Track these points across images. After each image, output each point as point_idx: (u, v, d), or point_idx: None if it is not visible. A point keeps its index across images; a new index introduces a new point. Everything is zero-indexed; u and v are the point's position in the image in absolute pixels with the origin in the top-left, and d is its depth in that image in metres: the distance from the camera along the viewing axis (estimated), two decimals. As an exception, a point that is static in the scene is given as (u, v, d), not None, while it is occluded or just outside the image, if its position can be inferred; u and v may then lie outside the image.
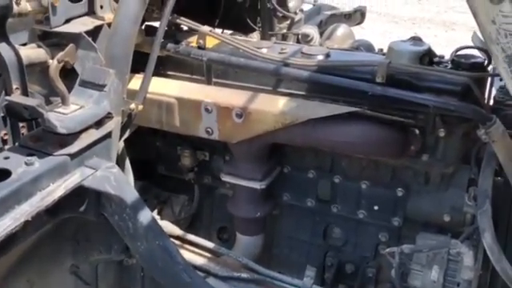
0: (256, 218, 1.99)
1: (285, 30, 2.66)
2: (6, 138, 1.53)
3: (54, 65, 1.41)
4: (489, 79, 1.74)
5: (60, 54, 1.43)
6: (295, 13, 2.71)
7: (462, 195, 1.71)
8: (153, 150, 2.16)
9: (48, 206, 1.29)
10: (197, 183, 2.18)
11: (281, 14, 2.54)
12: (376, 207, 1.90)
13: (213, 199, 2.21)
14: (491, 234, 1.50)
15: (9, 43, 1.49)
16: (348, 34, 2.42)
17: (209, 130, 1.83)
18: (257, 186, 1.90)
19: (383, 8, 8.04)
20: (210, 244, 1.79)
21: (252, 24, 2.50)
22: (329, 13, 3.08)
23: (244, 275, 1.66)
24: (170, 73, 1.97)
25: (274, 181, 1.97)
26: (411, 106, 1.67)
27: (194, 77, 1.94)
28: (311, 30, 2.46)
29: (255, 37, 2.51)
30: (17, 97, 1.44)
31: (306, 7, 3.01)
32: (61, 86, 1.42)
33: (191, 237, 1.80)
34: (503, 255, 1.49)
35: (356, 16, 3.25)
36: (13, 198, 1.25)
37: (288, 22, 2.67)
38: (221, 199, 2.18)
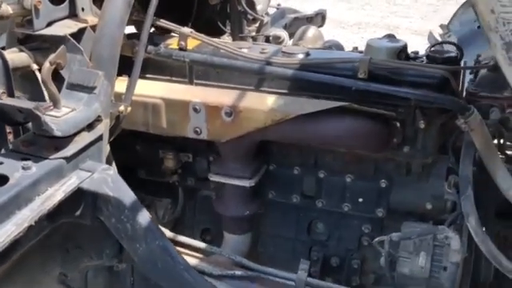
0: (245, 217, 2.00)
1: (254, 33, 2.69)
2: (-9, 143, 1.48)
3: (46, 67, 1.38)
4: (461, 72, 1.84)
5: (52, 56, 1.39)
6: (262, 16, 2.76)
7: (442, 184, 1.77)
8: (132, 154, 2.13)
9: (49, 210, 1.27)
10: (181, 185, 2.16)
11: (251, 17, 2.57)
12: (360, 199, 1.94)
13: (195, 201, 2.20)
14: (475, 217, 1.57)
15: (-6, 47, 1.45)
16: (318, 36, 2.49)
17: (197, 129, 1.83)
18: (246, 184, 1.91)
19: (329, 13, 8.22)
20: (201, 244, 1.79)
21: (222, 27, 2.52)
22: (292, 16, 3.17)
23: (238, 272, 1.67)
24: (149, 76, 1.95)
25: (261, 179, 1.98)
26: (393, 100, 1.72)
27: (174, 79, 1.93)
28: (282, 32, 2.51)
29: (226, 39, 2.53)
30: (10, 99, 1.40)
31: (271, 11, 3.07)
32: (53, 88, 1.40)
33: (182, 238, 1.79)
34: (487, 236, 1.57)
35: (317, 19, 3.35)
36: (13, 204, 1.22)
37: (257, 24, 2.71)
38: (203, 201, 2.17)
